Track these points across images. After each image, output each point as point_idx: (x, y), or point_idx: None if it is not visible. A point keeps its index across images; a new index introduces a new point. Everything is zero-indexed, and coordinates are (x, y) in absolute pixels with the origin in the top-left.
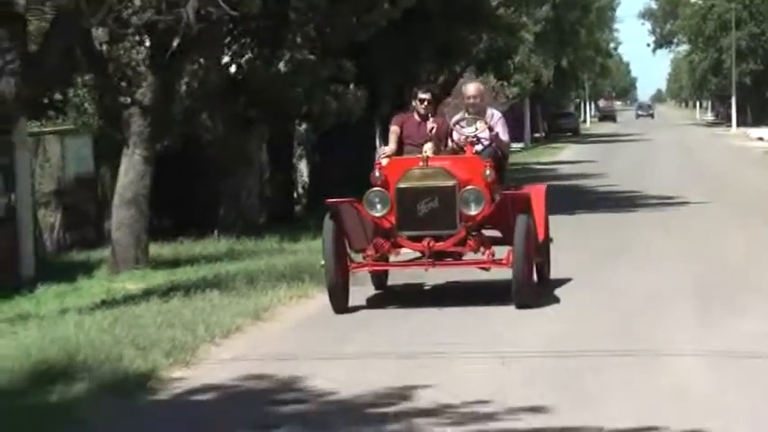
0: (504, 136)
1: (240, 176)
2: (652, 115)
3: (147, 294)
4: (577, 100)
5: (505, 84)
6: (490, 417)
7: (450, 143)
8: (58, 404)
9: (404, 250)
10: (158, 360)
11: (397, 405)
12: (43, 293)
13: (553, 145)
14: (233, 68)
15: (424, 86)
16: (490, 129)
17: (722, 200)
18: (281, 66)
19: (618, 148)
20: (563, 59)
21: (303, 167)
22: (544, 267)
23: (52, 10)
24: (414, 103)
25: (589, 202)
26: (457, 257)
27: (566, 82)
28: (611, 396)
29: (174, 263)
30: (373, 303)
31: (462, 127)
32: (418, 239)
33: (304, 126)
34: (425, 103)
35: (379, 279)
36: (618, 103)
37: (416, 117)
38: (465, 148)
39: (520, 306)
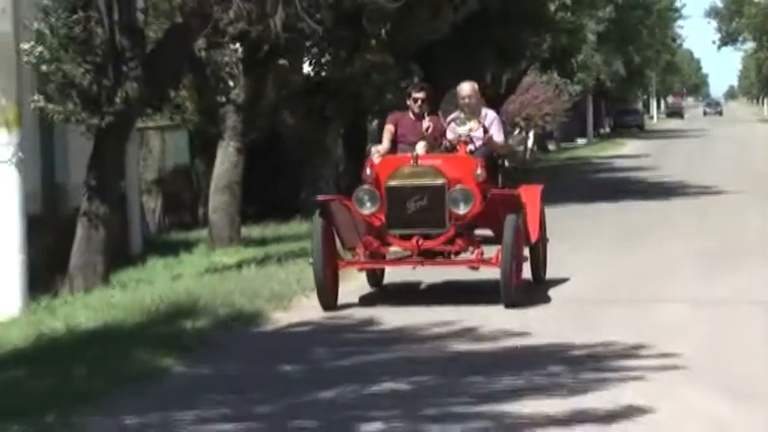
0: (498, 136)
1: (318, 167)
2: (720, 112)
3: (243, 265)
4: (645, 96)
5: (568, 81)
6: (521, 336)
7: (444, 142)
8: (189, 331)
9: (395, 248)
10: (262, 305)
11: (441, 329)
12: (153, 265)
13: (616, 140)
14: (313, 70)
15: (418, 85)
16: (484, 128)
17: (756, 191)
18: (356, 68)
19: (677, 143)
20: (627, 57)
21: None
22: (538, 268)
23: (166, 24)
24: (408, 102)
25: (633, 192)
26: (446, 256)
27: (631, 79)
28: (614, 328)
29: (263, 241)
30: (367, 301)
31: (456, 126)
32: (407, 238)
33: (375, 122)
34: (419, 102)
35: (375, 277)
36: (689, 100)
37: (411, 116)
38: (458, 148)
39: (508, 305)
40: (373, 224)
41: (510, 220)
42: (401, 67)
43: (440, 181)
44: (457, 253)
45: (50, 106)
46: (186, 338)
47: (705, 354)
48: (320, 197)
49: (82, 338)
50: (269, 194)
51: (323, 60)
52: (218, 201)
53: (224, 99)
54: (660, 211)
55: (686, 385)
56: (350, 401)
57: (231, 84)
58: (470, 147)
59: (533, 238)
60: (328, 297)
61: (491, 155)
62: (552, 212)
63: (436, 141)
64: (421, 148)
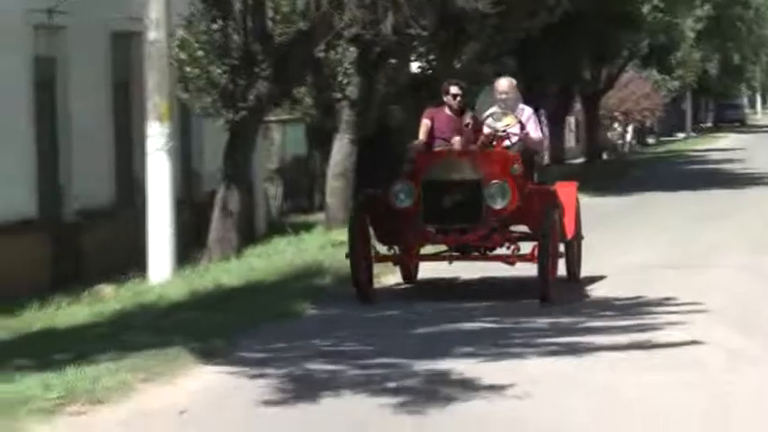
0: (535, 133)
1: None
2: None
3: None
4: (750, 92)
5: (667, 77)
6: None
7: (481, 138)
8: (317, 286)
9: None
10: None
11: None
12: (277, 242)
13: (716, 134)
14: (420, 68)
15: (454, 81)
16: (521, 124)
17: None
18: (457, 65)
19: None
20: (726, 54)
21: None
22: (574, 265)
23: (292, 30)
24: (444, 98)
25: (719, 182)
26: (482, 251)
27: (732, 75)
28: (665, 287)
29: None
30: (404, 293)
31: (493, 122)
32: (444, 232)
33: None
34: (457, 97)
35: (408, 272)
36: None
37: (447, 111)
38: (494, 143)
39: (543, 301)
40: (409, 219)
41: (547, 215)
42: (499, 63)
43: (477, 176)
44: (493, 248)
45: (195, 103)
46: (315, 291)
47: (735, 306)
48: (361, 192)
49: (230, 292)
50: (379, 182)
51: (428, 59)
52: (334, 186)
53: (339, 95)
54: (738, 198)
55: (713, 326)
56: (445, 335)
57: (346, 82)
58: (507, 142)
59: (569, 234)
60: (365, 291)
61: (527, 150)
62: (637, 199)
63: (473, 136)
64: (457, 143)
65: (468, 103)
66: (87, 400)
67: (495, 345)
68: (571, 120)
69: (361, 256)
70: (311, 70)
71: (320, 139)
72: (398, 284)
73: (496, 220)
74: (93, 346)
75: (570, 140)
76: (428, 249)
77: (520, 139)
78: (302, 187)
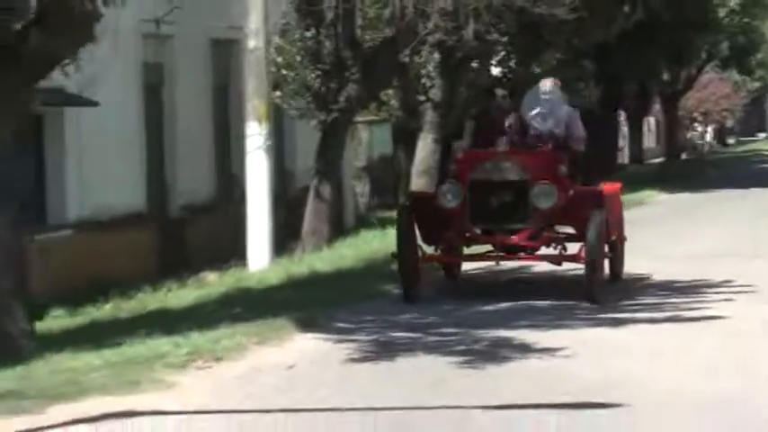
0: (577, 133)
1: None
2: None
3: None
4: None
5: (747, 78)
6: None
7: (526, 139)
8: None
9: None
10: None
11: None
12: (365, 235)
13: None
14: (501, 72)
15: (501, 84)
16: (566, 125)
17: None
18: (536, 68)
19: None
20: None
21: None
22: (617, 265)
23: (379, 37)
24: (492, 100)
25: None
26: (528, 252)
27: None
28: (722, 273)
29: None
30: (446, 293)
31: (538, 123)
32: (490, 233)
33: None
34: (504, 98)
35: (451, 271)
36: None
37: (493, 112)
38: (540, 144)
39: (591, 302)
40: (456, 219)
41: (594, 216)
42: (578, 66)
43: (523, 176)
44: (539, 248)
45: (290, 104)
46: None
47: None
48: (410, 192)
49: (323, 276)
50: None
51: (509, 62)
52: (418, 182)
53: (423, 98)
54: None
55: (757, 303)
56: (507, 312)
57: (429, 85)
58: (551, 143)
59: (613, 234)
60: (412, 290)
61: (571, 151)
62: (710, 195)
63: (517, 137)
64: (503, 143)
65: (513, 105)
66: (211, 357)
67: (551, 319)
68: (650, 120)
69: (408, 256)
70: (397, 74)
71: (405, 138)
72: (441, 282)
73: (543, 220)
74: (206, 319)
75: (650, 141)
76: (473, 249)
77: (565, 140)
78: (388, 184)
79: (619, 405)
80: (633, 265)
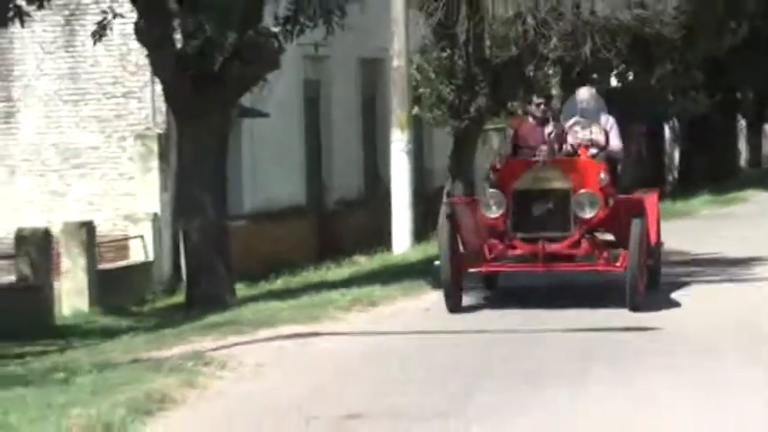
0: (616, 142)
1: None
2: None
3: None
4: None
5: None
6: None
7: (565, 147)
8: None
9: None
10: None
11: None
12: None
13: None
14: (618, 83)
15: (541, 93)
16: (606, 133)
17: None
18: (652, 81)
19: None
20: None
21: (675, 153)
22: (655, 272)
23: (505, 55)
24: (530, 108)
25: None
26: (570, 260)
27: None
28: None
29: None
30: (488, 303)
31: (577, 131)
32: (532, 241)
33: (676, 122)
34: (542, 106)
35: (491, 280)
36: None
37: (532, 121)
38: (579, 152)
39: (633, 309)
40: (498, 227)
41: (636, 224)
42: (689, 76)
43: (566, 185)
44: (581, 257)
45: (427, 114)
46: None
47: None
48: (448, 200)
49: None
50: None
51: (625, 75)
52: None
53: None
54: None
55: None
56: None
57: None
58: (592, 151)
59: (652, 242)
60: (454, 299)
61: (611, 159)
62: None
63: (557, 146)
64: (544, 152)
65: (552, 113)
66: (368, 303)
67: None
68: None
69: (451, 265)
70: (522, 86)
71: None
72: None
73: (584, 228)
74: (361, 283)
75: None
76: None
77: (605, 148)
78: None
79: None
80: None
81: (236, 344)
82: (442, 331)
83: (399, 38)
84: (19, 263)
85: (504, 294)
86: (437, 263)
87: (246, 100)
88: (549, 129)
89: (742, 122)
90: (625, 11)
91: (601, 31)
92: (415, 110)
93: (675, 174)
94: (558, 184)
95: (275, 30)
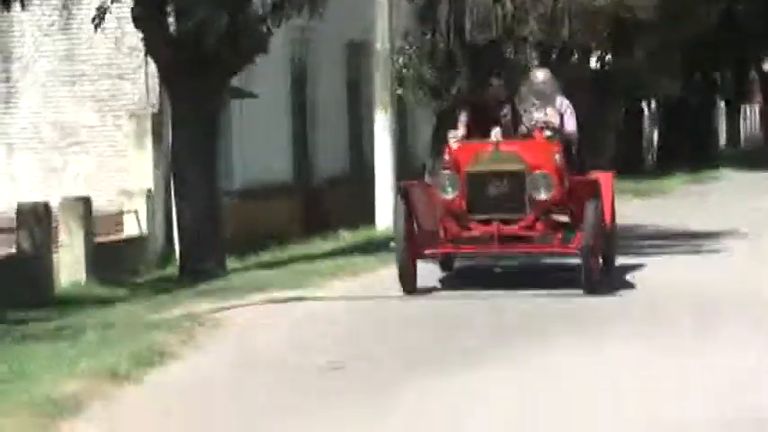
0: (571, 124)
1: (601, 139)
2: None
3: None
4: None
5: None
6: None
7: (520, 128)
8: None
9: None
10: None
11: None
12: None
13: None
14: (598, 64)
15: (495, 72)
16: (560, 115)
17: None
18: (630, 63)
19: None
20: None
21: (654, 134)
22: (610, 254)
23: (484, 38)
24: (487, 89)
25: None
26: (526, 241)
27: None
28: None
29: None
30: (445, 284)
31: (532, 113)
32: (487, 222)
33: (653, 103)
34: (499, 89)
35: (448, 262)
36: None
37: (486, 102)
38: (534, 134)
39: (589, 291)
40: (453, 209)
41: (590, 205)
42: (666, 59)
43: (520, 166)
44: (537, 238)
45: (410, 96)
46: None
47: None
48: (403, 182)
49: None
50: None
51: (604, 57)
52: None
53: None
54: None
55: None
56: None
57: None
58: (546, 132)
59: (608, 224)
60: (410, 281)
61: (566, 140)
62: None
63: (511, 128)
64: (497, 133)
65: (507, 94)
66: (350, 272)
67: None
68: (755, 108)
69: (405, 248)
70: (501, 69)
71: None
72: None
73: (540, 209)
74: (344, 255)
75: (752, 127)
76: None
77: (560, 130)
78: None
79: None
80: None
81: (228, 307)
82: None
83: (383, 21)
84: (19, 236)
85: (459, 276)
86: (393, 244)
87: (236, 81)
88: (505, 110)
89: (721, 104)
90: None
91: (579, 15)
92: (399, 91)
93: (654, 154)
94: (513, 165)
95: (263, 15)
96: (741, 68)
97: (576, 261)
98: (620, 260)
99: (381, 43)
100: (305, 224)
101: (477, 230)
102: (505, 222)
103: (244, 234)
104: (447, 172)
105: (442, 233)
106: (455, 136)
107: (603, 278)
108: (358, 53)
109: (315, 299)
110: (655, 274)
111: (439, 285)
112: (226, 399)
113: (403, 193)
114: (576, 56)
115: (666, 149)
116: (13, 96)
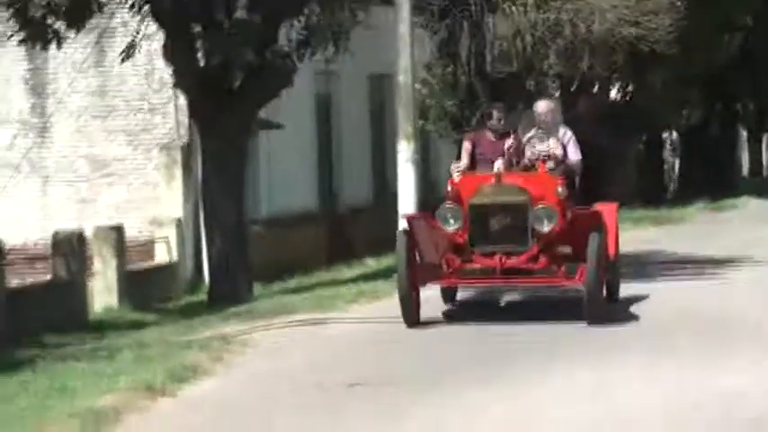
0: (574, 155)
1: (620, 170)
2: None
3: None
4: None
5: None
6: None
7: (523, 160)
8: None
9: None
10: None
11: None
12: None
13: None
14: (619, 95)
15: (497, 105)
16: (563, 146)
17: None
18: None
19: None
20: None
21: (675, 164)
22: (613, 285)
23: (505, 71)
24: (488, 122)
25: None
26: (529, 274)
27: None
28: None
29: None
30: (447, 317)
31: (535, 144)
32: (490, 255)
33: (674, 133)
34: (501, 121)
35: (450, 294)
36: None
37: (489, 134)
38: (537, 165)
39: (592, 322)
40: (456, 242)
41: (594, 237)
42: (684, 90)
43: (523, 198)
44: (540, 271)
45: (431, 127)
46: None
47: None
48: (405, 214)
49: None
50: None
51: (626, 88)
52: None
53: None
54: None
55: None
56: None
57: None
58: (549, 164)
59: (611, 255)
60: (412, 313)
61: (569, 172)
62: None
63: (515, 159)
64: (499, 165)
65: (509, 127)
66: (372, 296)
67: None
68: None
69: (408, 280)
70: (522, 100)
71: None
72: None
73: (543, 242)
74: (368, 280)
75: None
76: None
77: (563, 161)
78: None
79: None
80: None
81: (256, 328)
82: (435, 321)
83: (405, 55)
84: (55, 263)
85: (462, 308)
86: (396, 276)
87: (263, 112)
88: (508, 142)
89: (744, 133)
90: (620, 28)
91: (598, 48)
92: (421, 122)
93: (675, 183)
94: (516, 198)
95: (289, 51)
96: (762, 98)
97: (580, 293)
98: (627, 286)
99: (404, 76)
100: (329, 252)
101: (479, 263)
102: (508, 255)
103: (270, 261)
104: (449, 204)
105: (444, 265)
106: (457, 167)
107: (607, 309)
108: (381, 85)
109: (337, 321)
110: (660, 300)
111: (441, 318)
112: (253, 412)
113: (406, 225)
114: (597, 87)
115: (687, 178)
116: (47, 130)
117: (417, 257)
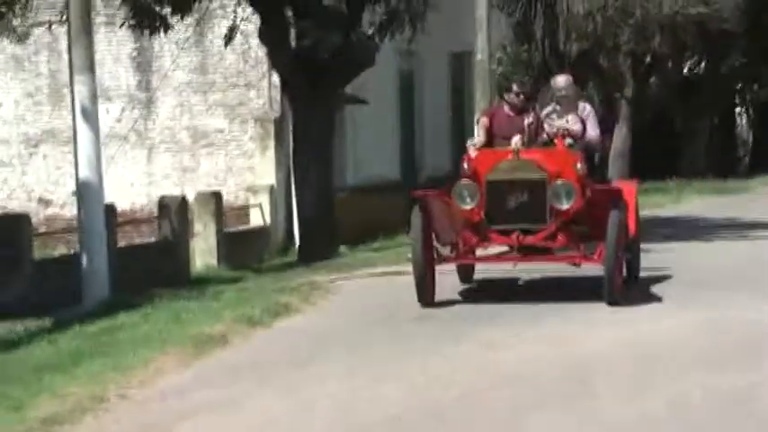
0: (593, 131)
1: (692, 145)
2: None
3: None
4: None
5: None
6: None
7: (541, 136)
8: None
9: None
10: None
11: None
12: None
13: None
14: (690, 72)
15: (518, 80)
16: (582, 122)
17: None
18: (724, 70)
19: None
20: None
21: (749, 139)
22: (633, 265)
23: (579, 48)
24: (507, 96)
25: None
26: (546, 252)
27: None
28: None
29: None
30: (464, 297)
31: (553, 120)
32: (507, 233)
33: (748, 108)
34: (520, 96)
35: (466, 272)
36: None
37: (506, 110)
38: (556, 141)
39: (611, 303)
40: (472, 219)
41: (614, 215)
42: (754, 67)
43: (541, 175)
44: (558, 249)
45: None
46: None
47: None
48: (418, 192)
49: None
50: (655, 162)
51: (698, 64)
52: (615, 166)
53: (618, 94)
54: None
55: None
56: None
57: (624, 83)
58: (568, 140)
59: (631, 234)
60: (428, 293)
61: (589, 148)
62: None
63: (533, 135)
64: (517, 141)
65: (529, 102)
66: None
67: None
68: None
69: (423, 259)
70: (595, 76)
71: (602, 129)
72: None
73: (561, 220)
74: None
75: None
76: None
77: (582, 137)
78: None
79: None
80: None
81: (340, 277)
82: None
83: (482, 35)
84: (160, 225)
85: (479, 288)
86: (410, 256)
87: (349, 89)
88: (528, 119)
89: None
90: (689, 8)
91: (668, 26)
92: (497, 98)
93: (748, 156)
94: (534, 174)
95: (371, 33)
96: None
97: (599, 272)
98: (662, 246)
99: (481, 54)
100: (410, 218)
101: (496, 241)
102: (526, 233)
103: (355, 226)
104: (465, 181)
105: (460, 244)
106: (474, 143)
107: (627, 289)
108: (461, 63)
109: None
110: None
111: (459, 298)
112: (333, 337)
113: (421, 203)
114: (670, 64)
115: (760, 152)
116: (153, 104)
117: (432, 236)
